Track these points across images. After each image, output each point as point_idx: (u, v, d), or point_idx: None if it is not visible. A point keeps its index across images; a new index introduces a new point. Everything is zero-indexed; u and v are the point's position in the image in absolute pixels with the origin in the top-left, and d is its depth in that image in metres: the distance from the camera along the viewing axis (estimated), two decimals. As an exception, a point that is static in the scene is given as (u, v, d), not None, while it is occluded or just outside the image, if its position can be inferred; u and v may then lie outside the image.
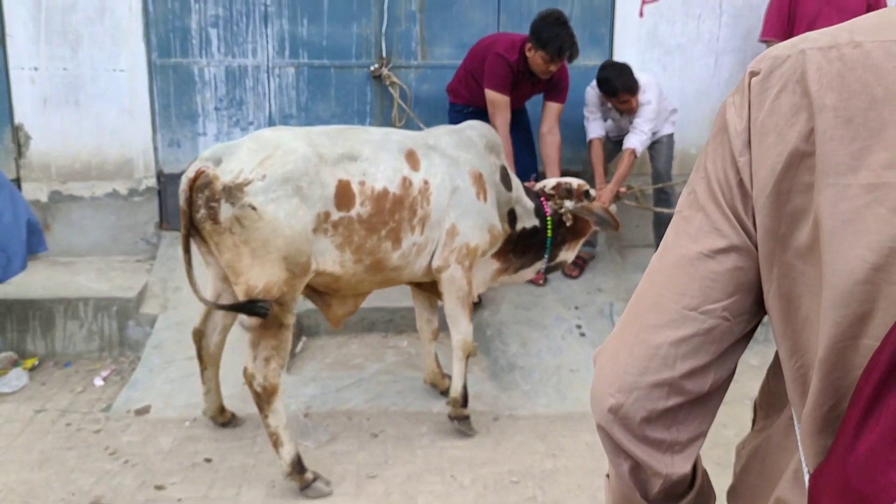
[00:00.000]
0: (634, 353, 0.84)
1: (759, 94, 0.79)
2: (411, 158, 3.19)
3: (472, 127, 3.55)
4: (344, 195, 2.97)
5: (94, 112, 4.77)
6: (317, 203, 2.91)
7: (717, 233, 0.82)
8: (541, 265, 3.77)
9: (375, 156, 3.08)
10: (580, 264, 4.81)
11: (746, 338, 0.86)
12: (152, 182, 4.84)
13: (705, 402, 0.86)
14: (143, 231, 4.91)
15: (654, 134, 4.60)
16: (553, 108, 4.41)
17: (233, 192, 2.78)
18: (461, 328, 3.43)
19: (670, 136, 4.74)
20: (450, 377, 3.86)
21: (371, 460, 3.26)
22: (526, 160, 4.45)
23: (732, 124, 0.82)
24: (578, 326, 4.35)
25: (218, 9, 4.78)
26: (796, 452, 0.81)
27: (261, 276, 2.85)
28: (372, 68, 4.91)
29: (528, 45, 4.10)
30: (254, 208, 2.78)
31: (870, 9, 4.51)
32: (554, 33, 3.97)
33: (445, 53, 4.99)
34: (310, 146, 2.95)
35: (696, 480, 0.92)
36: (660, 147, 4.71)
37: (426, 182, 3.18)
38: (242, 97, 4.90)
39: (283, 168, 2.84)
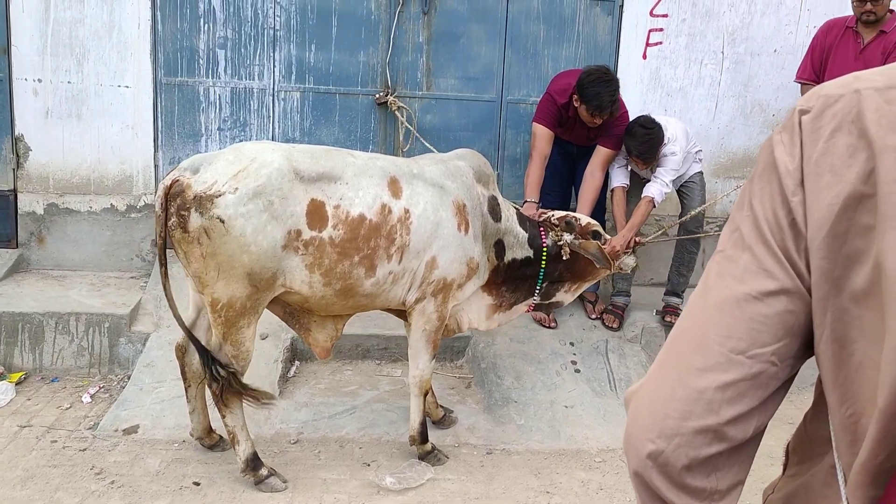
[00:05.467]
0: (676, 397, 0.81)
1: (812, 132, 0.78)
2: (393, 185, 3.15)
3: (461, 156, 3.51)
4: (315, 215, 2.95)
5: (96, 126, 4.76)
6: (287, 220, 2.89)
7: (765, 274, 0.79)
8: (534, 298, 3.71)
9: (356, 180, 3.06)
10: (619, 314, 4.68)
11: (789, 383, 0.84)
12: (151, 199, 4.81)
13: (745, 449, 0.83)
14: (138, 248, 4.88)
15: (681, 177, 4.54)
16: (602, 152, 4.39)
17: (203, 202, 2.80)
18: (420, 364, 3.37)
19: (700, 174, 4.65)
20: (443, 407, 3.83)
21: (363, 490, 3.20)
22: None
23: (783, 162, 0.80)
24: (573, 363, 4.33)
25: (227, 31, 4.80)
26: (839, 502, 0.79)
27: (225, 291, 2.89)
28: (377, 96, 4.93)
29: (575, 97, 4.19)
30: (222, 221, 2.79)
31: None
32: (595, 91, 4.06)
33: (450, 85, 5.02)
34: (287, 160, 2.94)
35: None
36: (692, 186, 4.61)
37: (407, 211, 3.14)
38: (247, 119, 4.90)
39: (255, 182, 2.84)
